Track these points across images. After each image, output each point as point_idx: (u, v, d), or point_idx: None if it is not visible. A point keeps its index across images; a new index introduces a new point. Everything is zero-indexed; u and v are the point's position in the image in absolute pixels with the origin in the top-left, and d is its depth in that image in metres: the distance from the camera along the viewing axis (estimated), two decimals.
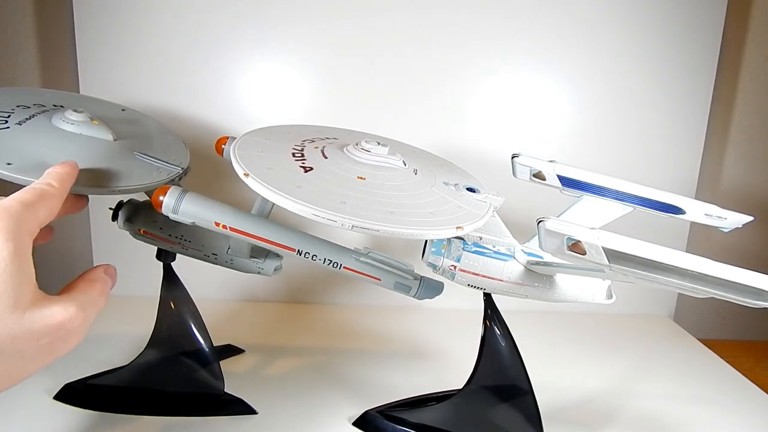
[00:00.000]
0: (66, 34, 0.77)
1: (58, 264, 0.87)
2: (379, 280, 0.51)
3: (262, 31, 0.77)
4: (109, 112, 0.54)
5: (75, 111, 0.46)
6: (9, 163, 0.39)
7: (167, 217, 0.51)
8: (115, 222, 0.52)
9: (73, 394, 0.55)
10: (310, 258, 0.48)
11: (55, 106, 0.50)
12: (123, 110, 0.57)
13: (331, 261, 0.49)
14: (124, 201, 0.52)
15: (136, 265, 0.83)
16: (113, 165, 0.45)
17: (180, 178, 0.50)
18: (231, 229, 0.45)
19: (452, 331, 0.78)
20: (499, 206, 0.46)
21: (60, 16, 0.78)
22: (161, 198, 0.43)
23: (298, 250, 0.48)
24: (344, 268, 0.49)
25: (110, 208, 0.52)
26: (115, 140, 0.48)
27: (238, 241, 0.51)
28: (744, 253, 0.92)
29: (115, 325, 0.74)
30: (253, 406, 0.55)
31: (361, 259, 0.49)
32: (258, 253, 0.54)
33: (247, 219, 0.46)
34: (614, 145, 0.84)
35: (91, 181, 0.42)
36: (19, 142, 0.42)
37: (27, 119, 0.45)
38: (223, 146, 0.54)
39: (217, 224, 0.45)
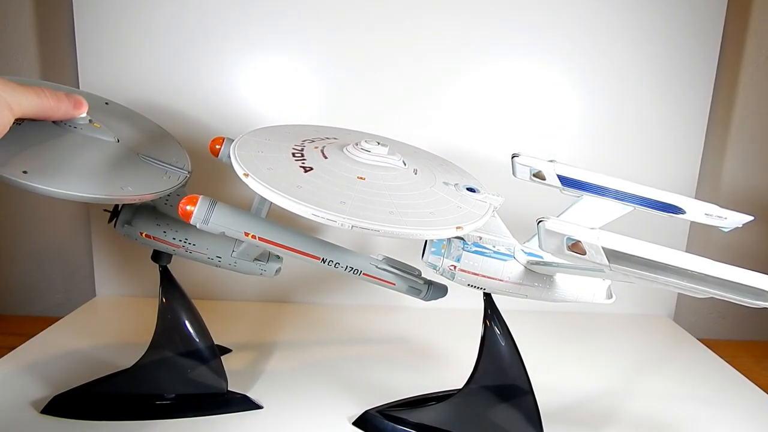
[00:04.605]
0: (66, 33, 0.77)
1: (58, 264, 0.87)
2: (394, 284, 0.54)
3: (263, 32, 0.77)
4: (93, 106, 0.53)
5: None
6: (25, 171, 0.39)
7: (171, 219, 0.51)
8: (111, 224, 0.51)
9: (64, 405, 0.52)
10: (333, 265, 0.50)
11: None
12: (106, 103, 0.56)
13: (353, 268, 0.51)
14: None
15: (136, 266, 0.84)
16: (122, 170, 0.45)
17: (186, 182, 0.50)
18: (260, 239, 0.45)
19: (452, 331, 0.78)
20: (499, 206, 0.46)
21: (60, 15, 0.78)
22: (190, 208, 0.43)
23: (323, 259, 0.49)
24: (363, 274, 0.52)
25: (105, 210, 0.52)
26: (117, 142, 0.48)
27: (251, 246, 0.51)
28: (744, 253, 0.92)
29: (115, 327, 0.74)
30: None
31: (380, 266, 0.52)
32: (261, 255, 0.54)
33: (275, 229, 0.47)
34: (614, 144, 0.84)
35: (104, 188, 0.42)
36: (25, 146, 0.41)
37: (24, 119, 0.44)
38: (217, 146, 0.54)
39: (247, 234, 0.45)
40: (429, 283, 0.55)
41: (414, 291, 0.54)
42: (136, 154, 0.48)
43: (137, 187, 0.44)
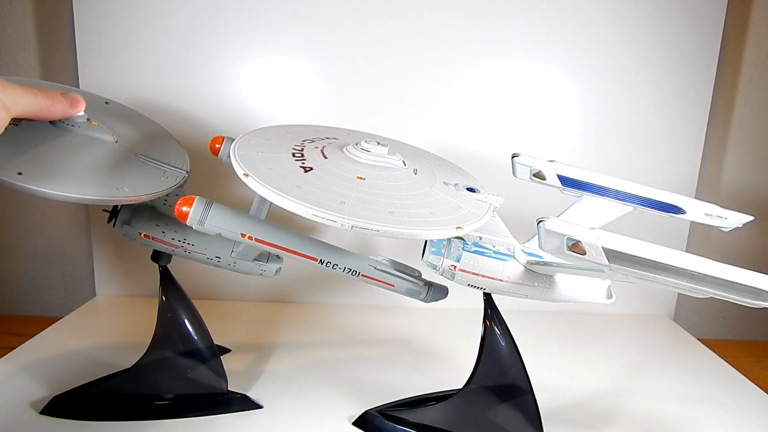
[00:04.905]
0: (66, 32, 0.77)
1: (58, 264, 0.87)
2: (393, 286, 0.53)
3: (263, 31, 0.77)
4: (93, 105, 0.52)
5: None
6: (20, 173, 0.39)
7: (170, 220, 0.51)
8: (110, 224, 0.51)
9: (63, 406, 0.52)
10: (331, 267, 0.50)
11: None
12: (106, 103, 0.56)
13: (351, 270, 0.51)
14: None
15: (136, 266, 0.84)
16: (119, 170, 0.45)
17: (185, 182, 0.50)
18: (257, 240, 0.45)
19: (452, 331, 0.78)
20: (499, 206, 0.46)
21: (60, 14, 0.78)
22: (185, 209, 0.43)
23: (320, 260, 0.49)
24: (362, 276, 0.52)
25: (104, 210, 0.52)
26: (116, 142, 0.47)
27: (250, 247, 0.51)
28: (744, 253, 0.92)
29: (115, 327, 0.74)
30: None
31: (378, 267, 0.52)
32: (260, 255, 0.54)
33: (272, 230, 0.47)
34: (614, 144, 0.84)
35: (100, 189, 0.42)
36: (21, 147, 0.41)
37: (21, 119, 0.44)
38: (217, 146, 0.54)
39: (243, 235, 0.45)
40: (429, 285, 0.55)
41: (414, 292, 0.54)
42: (134, 154, 0.48)
43: (134, 188, 0.44)
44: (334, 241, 0.51)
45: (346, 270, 0.51)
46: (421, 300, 0.55)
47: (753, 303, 0.35)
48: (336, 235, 0.52)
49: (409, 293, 0.54)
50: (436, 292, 0.55)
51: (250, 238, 0.45)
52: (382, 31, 0.78)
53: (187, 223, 0.43)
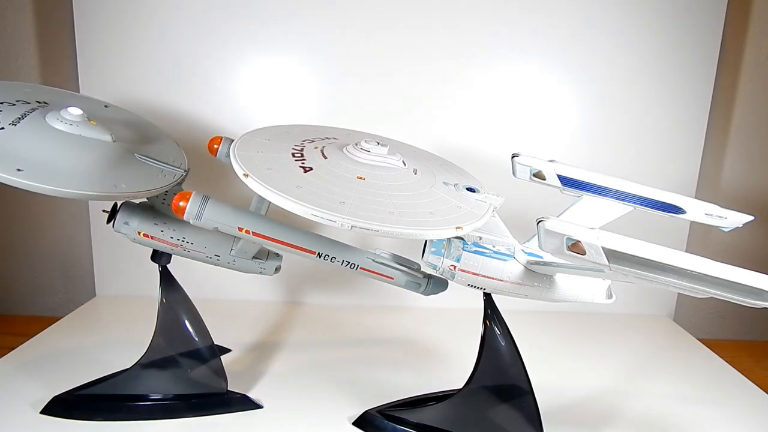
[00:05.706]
0: (66, 34, 0.77)
1: (58, 264, 0.87)
2: (392, 279, 0.53)
3: (263, 32, 0.77)
4: (92, 110, 0.53)
5: (72, 110, 0.46)
6: (20, 170, 0.39)
7: (169, 218, 0.51)
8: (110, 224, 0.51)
9: (64, 406, 0.52)
10: (329, 260, 0.50)
11: (39, 102, 0.49)
12: (106, 107, 0.57)
13: (349, 262, 0.51)
14: (119, 203, 0.51)
15: (136, 266, 0.84)
16: (117, 168, 0.45)
17: (183, 180, 0.50)
18: (254, 233, 0.45)
19: (452, 331, 0.78)
20: (499, 206, 0.46)
21: (60, 15, 0.78)
22: (182, 204, 0.43)
23: (319, 253, 0.49)
24: (361, 269, 0.51)
25: (104, 211, 0.52)
26: (114, 141, 0.48)
27: (248, 243, 0.51)
28: (744, 253, 0.92)
29: (114, 327, 0.74)
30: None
31: (377, 260, 0.52)
32: (260, 253, 0.54)
33: (269, 224, 0.47)
34: (614, 144, 0.84)
35: (97, 186, 0.42)
36: (21, 146, 0.42)
37: (20, 119, 0.44)
38: (215, 146, 0.54)
39: (240, 229, 0.45)
40: (428, 277, 0.54)
41: (413, 285, 0.53)
42: (131, 153, 0.48)
43: (131, 185, 0.44)
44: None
45: (345, 263, 0.51)
46: (421, 293, 0.54)
47: (753, 303, 0.35)
48: (335, 235, 0.52)
49: (409, 286, 0.53)
50: (435, 284, 0.54)
51: (247, 231, 0.45)
52: (382, 32, 0.78)
53: (185, 218, 0.43)
